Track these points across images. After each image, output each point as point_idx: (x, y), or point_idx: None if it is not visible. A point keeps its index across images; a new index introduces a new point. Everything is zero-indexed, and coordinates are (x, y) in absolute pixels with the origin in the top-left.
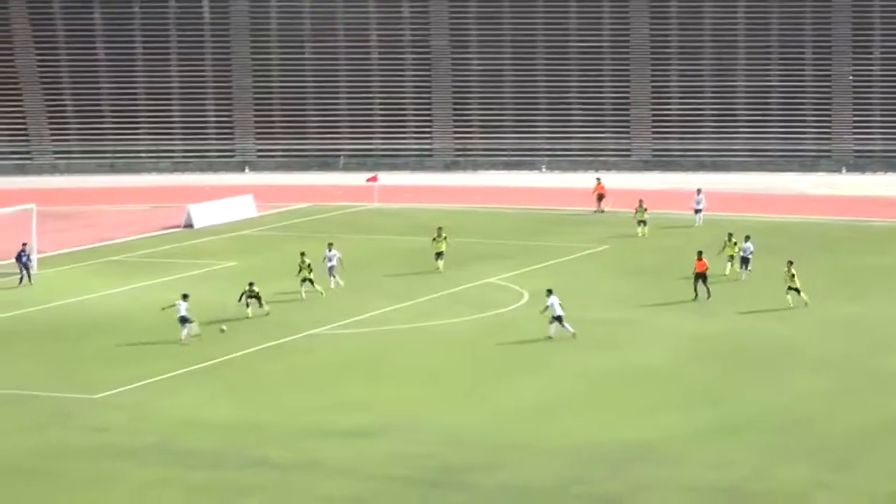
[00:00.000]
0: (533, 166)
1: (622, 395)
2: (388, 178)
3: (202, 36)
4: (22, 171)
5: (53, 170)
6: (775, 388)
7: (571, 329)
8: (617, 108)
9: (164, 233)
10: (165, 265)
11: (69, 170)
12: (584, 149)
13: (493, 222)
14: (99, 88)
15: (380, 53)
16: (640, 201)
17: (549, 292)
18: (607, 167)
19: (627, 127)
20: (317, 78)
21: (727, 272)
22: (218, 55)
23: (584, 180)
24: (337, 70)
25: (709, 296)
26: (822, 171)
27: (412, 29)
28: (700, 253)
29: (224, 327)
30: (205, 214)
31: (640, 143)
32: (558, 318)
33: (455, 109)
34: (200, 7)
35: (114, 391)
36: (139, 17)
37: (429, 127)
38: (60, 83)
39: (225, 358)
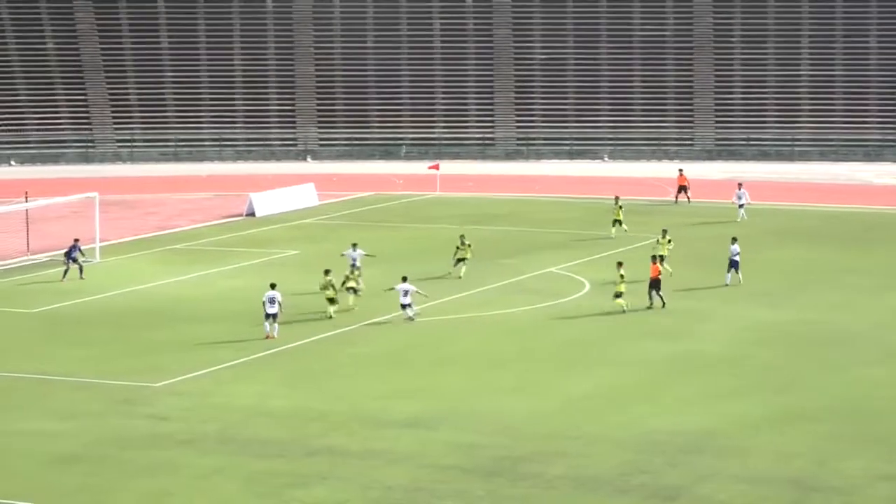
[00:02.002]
0: (595, 155)
1: (683, 384)
2: (449, 167)
3: (265, 25)
4: (85, 159)
5: (116, 158)
6: (839, 379)
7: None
8: (680, 97)
9: (226, 221)
10: (227, 253)
11: (132, 158)
12: (647, 138)
13: (555, 211)
14: (162, 77)
15: (442, 42)
16: (616, 198)
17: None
18: (670, 157)
19: (691, 116)
20: (379, 67)
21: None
22: (281, 44)
23: (646, 170)
24: (399, 59)
25: (664, 304)
26: (887, 160)
27: (475, 18)
28: (654, 258)
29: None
30: (267, 203)
31: (704, 133)
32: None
33: (517, 98)
34: None
35: (175, 379)
36: (203, 6)
37: (491, 116)
38: (124, 72)
39: (286, 347)
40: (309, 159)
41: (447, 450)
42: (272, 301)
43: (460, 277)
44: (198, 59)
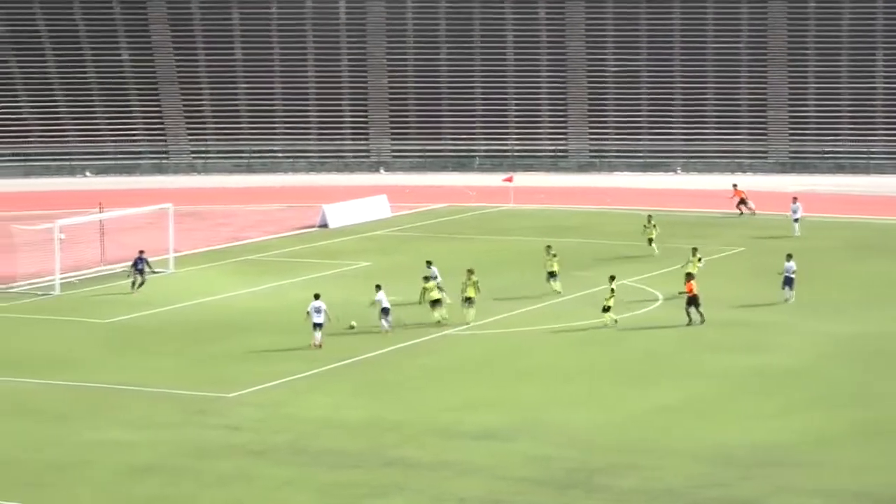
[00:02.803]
0: (668, 168)
1: (756, 397)
2: (522, 179)
3: (338, 37)
4: (159, 170)
5: (190, 169)
6: None
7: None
8: (754, 109)
9: (299, 232)
10: (299, 265)
11: (206, 169)
12: (720, 151)
13: (628, 224)
14: (236, 89)
15: (515, 54)
16: (649, 217)
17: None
18: (743, 169)
19: (764, 129)
20: (452, 78)
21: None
22: (354, 56)
23: (719, 182)
24: (472, 70)
25: (703, 320)
26: None
27: (548, 30)
28: (688, 275)
29: (353, 323)
30: (339, 214)
31: (777, 145)
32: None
33: (590, 110)
34: (337, 8)
35: (248, 390)
36: (276, 18)
37: (564, 128)
38: (198, 83)
39: (359, 358)
40: (382, 171)
41: (521, 462)
42: (318, 311)
43: (559, 292)
44: (271, 71)
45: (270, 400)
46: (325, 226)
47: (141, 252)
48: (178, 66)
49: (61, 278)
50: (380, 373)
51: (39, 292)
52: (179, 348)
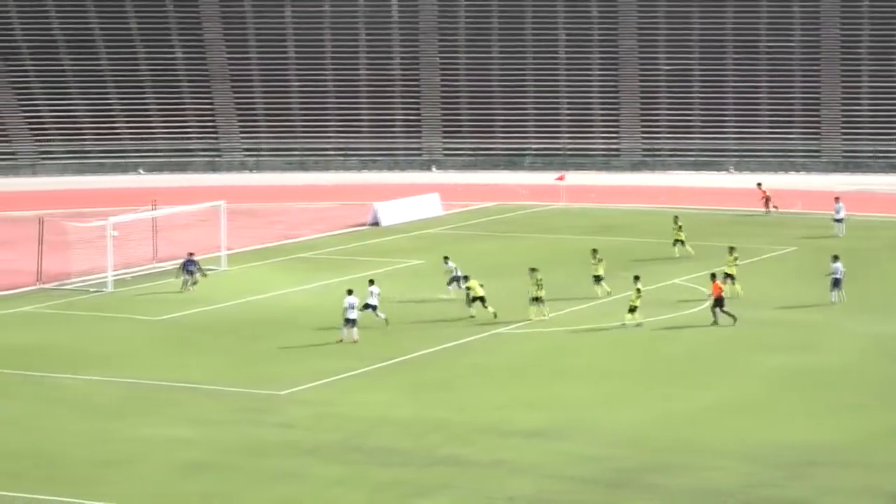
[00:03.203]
0: (721, 167)
1: (805, 396)
2: (574, 178)
3: (391, 34)
4: (212, 168)
5: (243, 167)
6: None
7: None
8: (807, 108)
9: (351, 230)
10: (350, 263)
11: (258, 167)
12: (773, 150)
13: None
14: (289, 86)
15: (567, 52)
16: (675, 218)
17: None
18: (796, 168)
19: (818, 128)
20: (504, 76)
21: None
22: (406, 54)
23: (772, 182)
24: (524, 68)
25: (734, 320)
26: None
27: (600, 27)
28: (714, 276)
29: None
30: (391, 212)
31: (831, 145)
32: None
33: (643, 109)
34: (389, 5)
35: (300, 387)
36: (329, 15)
37: (616, 126)
38: (251, 81)
39: (410, 356)
40: (433, 169)
41: (570, 461)
42: (352, 307)
43: (609, 292)
44: (323, 68)
45: (322, 398)
46: (376, 224)
47: (190, 254)
48: (230, 64)
49: (114, 275)
50: (429, 371)
51: (92, 289)
52: (231, 346)
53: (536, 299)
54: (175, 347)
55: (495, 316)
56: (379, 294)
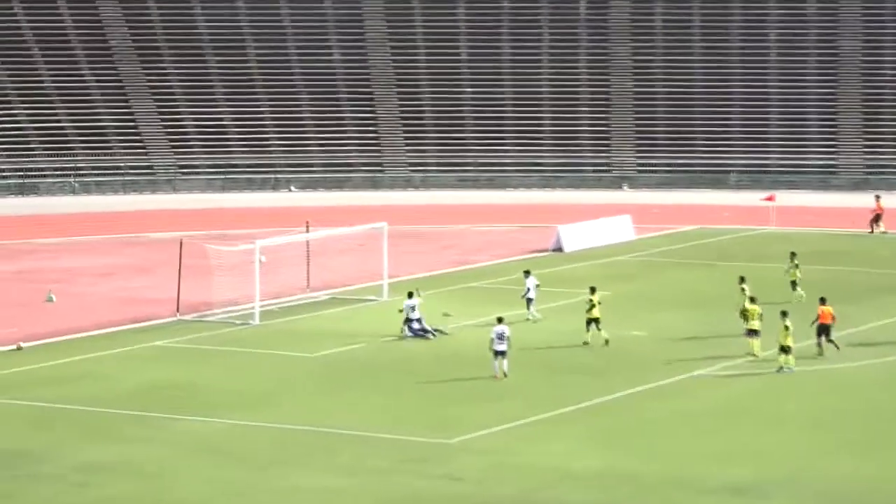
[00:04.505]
0: None
1: None
2: (785, 198)
3: (577, 35)
4: (373, 184)
5: (408, 184)
6: None
7: None
8: None
9: (531, 256)
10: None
11: (425, 184)
12: None
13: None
14: (460, 93)
15: (779, 54)
16: (792, 254)
17: None
18: None
19: None
20: (707, 82)
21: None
22: (594, 57)
23: None
24: (729, 73)
25: (838, 348)
26: None
27: (817, 27)
28: (823, 300)
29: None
30: (576, 237)
31: None
32: None
33: (865, 120)
34: (577, 2)
35: (472, 435)
36: (508, 14)
37: (834, 140)
38: (418, 87)
39: (598, 401)
40: (625, 187)
41: None
42: (500, 337)
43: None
44: (500, 72)
45: (497, 446)
46: (559, 249)
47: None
48: (395, 67)
49: (261, 306)
50: (617, 417)
51: (237, 321)
52: (394, 386)
53: (752, 331)
54: (331, 387)
55: (606, 343)
56: (419, 305)
